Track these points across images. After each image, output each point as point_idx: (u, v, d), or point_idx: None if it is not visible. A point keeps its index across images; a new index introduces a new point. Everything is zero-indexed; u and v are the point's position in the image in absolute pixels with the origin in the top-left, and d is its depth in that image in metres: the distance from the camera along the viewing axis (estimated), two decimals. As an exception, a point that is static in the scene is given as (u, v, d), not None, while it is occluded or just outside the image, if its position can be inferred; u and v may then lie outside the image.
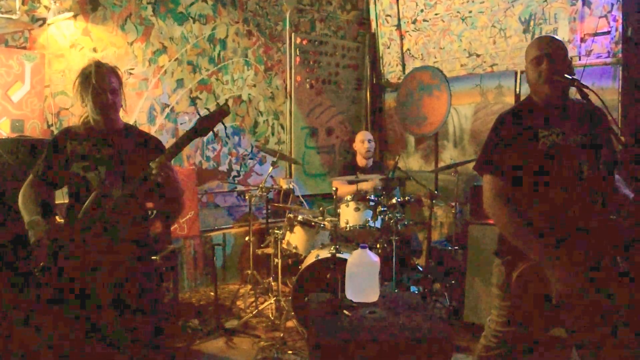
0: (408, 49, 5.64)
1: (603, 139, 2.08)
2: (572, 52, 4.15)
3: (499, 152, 2.07)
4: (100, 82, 2.08)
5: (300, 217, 3.92)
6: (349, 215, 3.79)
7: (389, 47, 5.87)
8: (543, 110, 2.08)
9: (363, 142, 4.64)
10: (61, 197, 2.40)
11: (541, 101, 2.10)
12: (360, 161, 4.73)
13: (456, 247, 4.12)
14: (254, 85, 5.12)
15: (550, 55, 2.03)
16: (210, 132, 2.02)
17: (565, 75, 1.99)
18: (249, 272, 4.40)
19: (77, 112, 2.27)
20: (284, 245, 3.92)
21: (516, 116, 2.11)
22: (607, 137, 2.09)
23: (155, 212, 3.55)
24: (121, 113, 2.24)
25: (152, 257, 3.15)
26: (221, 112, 2.01)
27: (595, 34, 4.04)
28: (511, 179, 2.05)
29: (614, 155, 2.13)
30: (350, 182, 4.35)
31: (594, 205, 2.00)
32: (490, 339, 2.17)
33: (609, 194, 2.06)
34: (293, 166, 5.44)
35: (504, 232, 2.08)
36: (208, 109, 2.03)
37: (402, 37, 5.67)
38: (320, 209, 4.26)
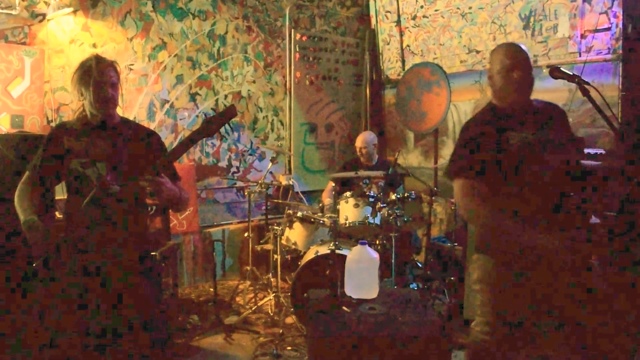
0: (408, 45, 5.63)
1: (564, 136, 2.13)
2: (572, 48, 4.15)
3: (468, 156, 2.09)
4: (101, 77, 2.06)
5: (299, 213, 3.92)
6: (349, 212, 3.79)
7: (388, 44, 5.86)
8: (508, 114, 2.12)
9: (359, 149, 4.49)
10: (61, 193, 2.40)
11: (506, 106, 2.14)
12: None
13: (455, 244, 4.13)
14: (254, 81, 5.11)
15: (521, 65, 2.07)
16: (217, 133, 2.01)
17: (565, 70, 2.00)
18: (248, 268, 4.41)
19: (76, 107, 2.24)
20: (284, 242, 3.92)
21: (481, 121, 2.15)
22: (568, 133, 2.17)
23: (155, 208, 3.57)
24: (119, 110, 2.23)
25: (152, 253, 3.17)
26: (229, 113, 2.00)
27: (596, 30, 4.03)
28: (483, 181, 2.05)
29: (579, 149, 2.24)
30: (351, 178, 4.34)
31: (567, 202, 2.03)
32: (476, 345, 2.15)
33: (579, 190, 2.10)
34: (292, 162, 5.44)
35: (487, 226, 2.09)
36: (215, 110, 2.03)
37: (401, 34, 5.66)
38: (320, 205, 4.26)
